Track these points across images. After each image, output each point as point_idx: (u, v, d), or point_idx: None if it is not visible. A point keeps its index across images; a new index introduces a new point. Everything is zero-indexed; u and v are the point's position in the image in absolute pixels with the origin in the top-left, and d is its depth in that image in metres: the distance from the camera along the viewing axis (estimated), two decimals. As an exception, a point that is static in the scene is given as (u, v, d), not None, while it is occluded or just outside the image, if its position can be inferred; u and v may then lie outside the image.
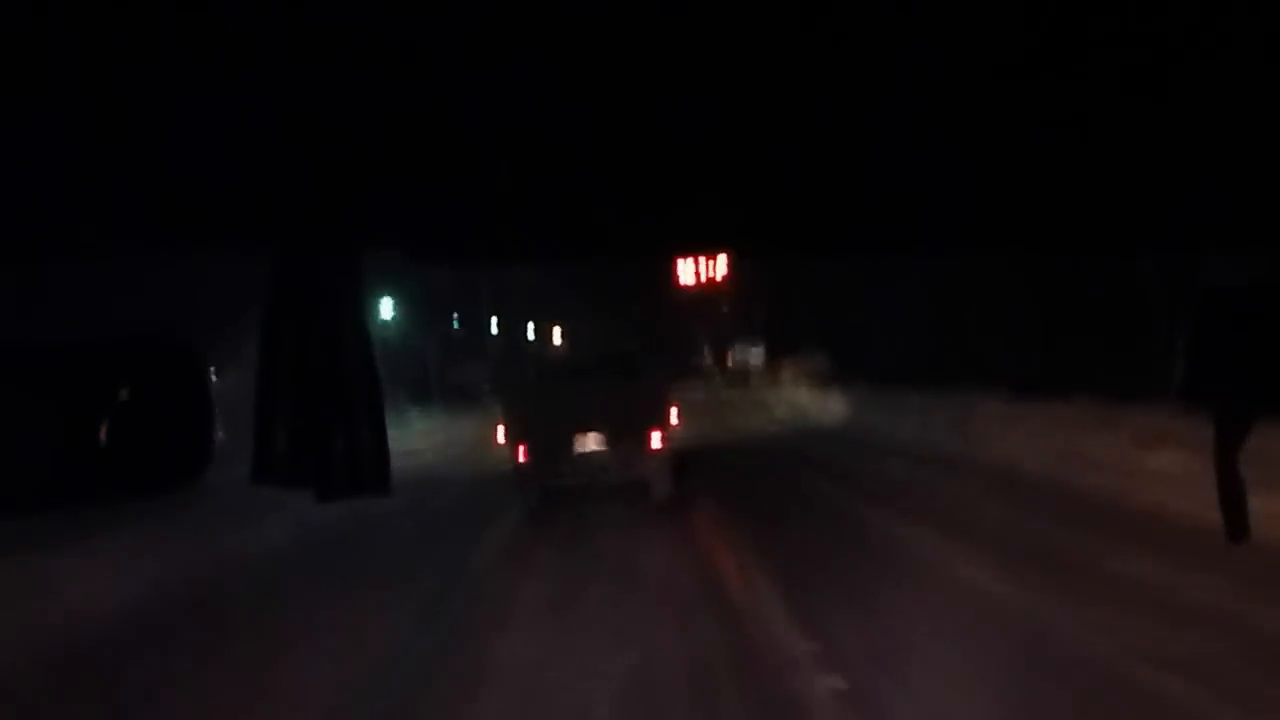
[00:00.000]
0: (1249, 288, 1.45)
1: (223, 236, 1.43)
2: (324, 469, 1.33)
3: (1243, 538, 1.45)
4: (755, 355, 54.00)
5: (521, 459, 14.52)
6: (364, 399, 1.37)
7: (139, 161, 1.27)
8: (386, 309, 37.60)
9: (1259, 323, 1.41)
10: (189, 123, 1.21)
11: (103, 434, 1.26)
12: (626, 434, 14.86)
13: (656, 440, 14.87)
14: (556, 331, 74.77)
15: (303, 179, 1.32)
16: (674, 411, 15.28)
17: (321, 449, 1.33)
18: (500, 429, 14.82)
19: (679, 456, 15.75)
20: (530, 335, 74.41)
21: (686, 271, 52.66)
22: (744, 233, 1.57)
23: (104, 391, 1.29)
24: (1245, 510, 1.45)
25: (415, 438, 24.41)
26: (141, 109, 1.21)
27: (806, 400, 31.33)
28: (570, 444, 14.71)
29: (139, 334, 1.38)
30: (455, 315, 58.30)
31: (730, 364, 59.42)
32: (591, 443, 14.88)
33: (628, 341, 35.47)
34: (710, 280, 56.24)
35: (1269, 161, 1.35)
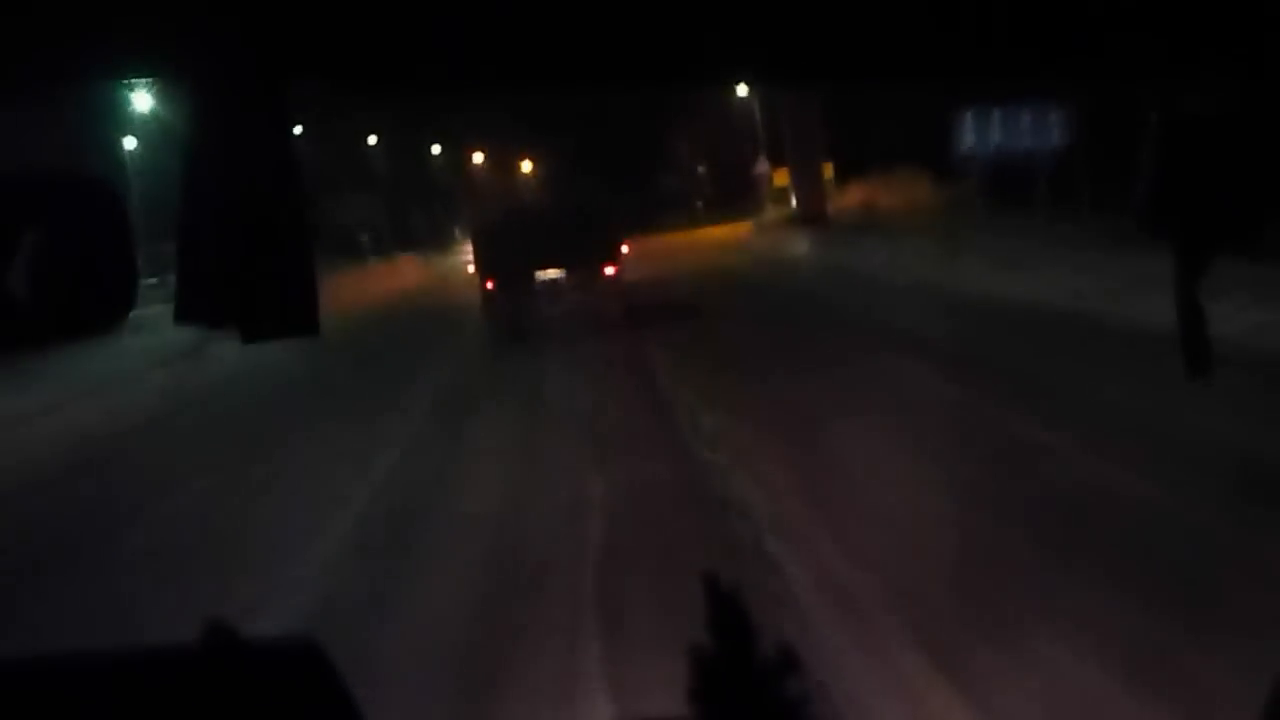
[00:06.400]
0: (1215, 118, 1.39)
1: (139, 64, 1.34)
2: (249, 308, 1.28)
3: (1203, 374, 1.41)
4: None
5: (489, 286, 19.01)
6: (290, 236, 1.31)
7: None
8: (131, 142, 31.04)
9: (1223, 154, 1.36)
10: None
11: (16, 277, 1.21)
12: (582, 265, 18.82)
13: (610, 270, 18.68)
14: (478, 156, 55.97)
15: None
16: (623, 248, 19.64)
17: (246, 288, 1.28)
18: (472, 265, 20.20)
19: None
20: (435, 153, 54.56)
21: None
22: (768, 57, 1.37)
23: (14, 230, 1.23)
24: (1207, 344, 1.41)
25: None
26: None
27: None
28: (532, 274, 18.87)
29: (50, 170, 1.31)
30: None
31: (793, 183, 40.29)
32: (552, 272, 19.09)
33: (587, 181, 37.77)
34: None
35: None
